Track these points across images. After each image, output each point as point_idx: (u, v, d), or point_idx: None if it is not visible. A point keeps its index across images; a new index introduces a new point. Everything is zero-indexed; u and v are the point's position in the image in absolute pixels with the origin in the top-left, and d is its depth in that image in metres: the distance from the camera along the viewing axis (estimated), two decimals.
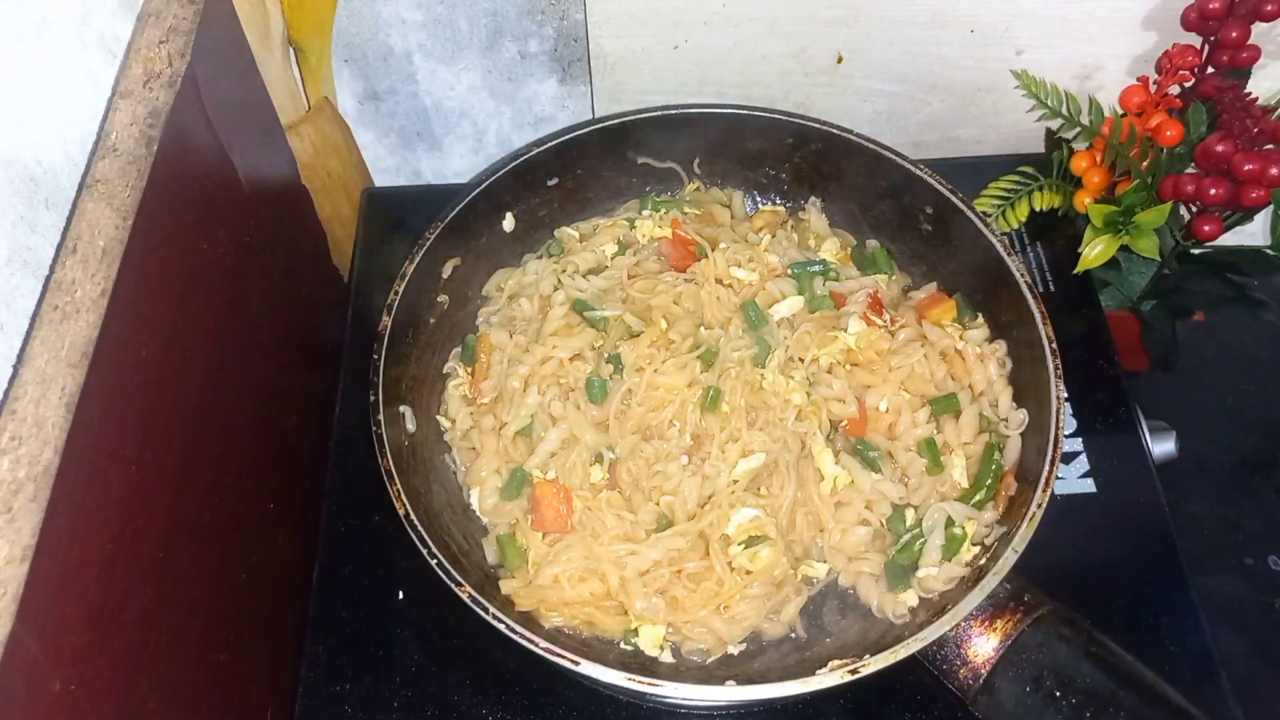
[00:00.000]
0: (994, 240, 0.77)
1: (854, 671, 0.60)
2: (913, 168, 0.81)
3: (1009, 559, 0.64)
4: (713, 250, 0.82)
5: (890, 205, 0.85)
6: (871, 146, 0.82)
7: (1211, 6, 0.81)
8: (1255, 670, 0.82)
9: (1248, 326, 0.97)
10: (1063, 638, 0.63)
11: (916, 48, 0.91)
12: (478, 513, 0.75)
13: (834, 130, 0.83)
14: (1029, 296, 0.74)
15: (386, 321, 0.73)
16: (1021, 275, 0.75)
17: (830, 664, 0.61)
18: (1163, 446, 0.83)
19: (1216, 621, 0.73)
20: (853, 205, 0.88)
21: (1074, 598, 0.66)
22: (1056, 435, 0.68)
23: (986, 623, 0.64)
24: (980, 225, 0.78)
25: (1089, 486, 0.79)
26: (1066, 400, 0.75)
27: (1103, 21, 0.88)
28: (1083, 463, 0.80)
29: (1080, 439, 0.81)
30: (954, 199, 0.79)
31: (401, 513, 0.65)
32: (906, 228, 0.85)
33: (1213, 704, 0.69)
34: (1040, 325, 0.73)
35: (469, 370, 0.80)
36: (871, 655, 0.61)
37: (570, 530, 0.71)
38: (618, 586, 0.69)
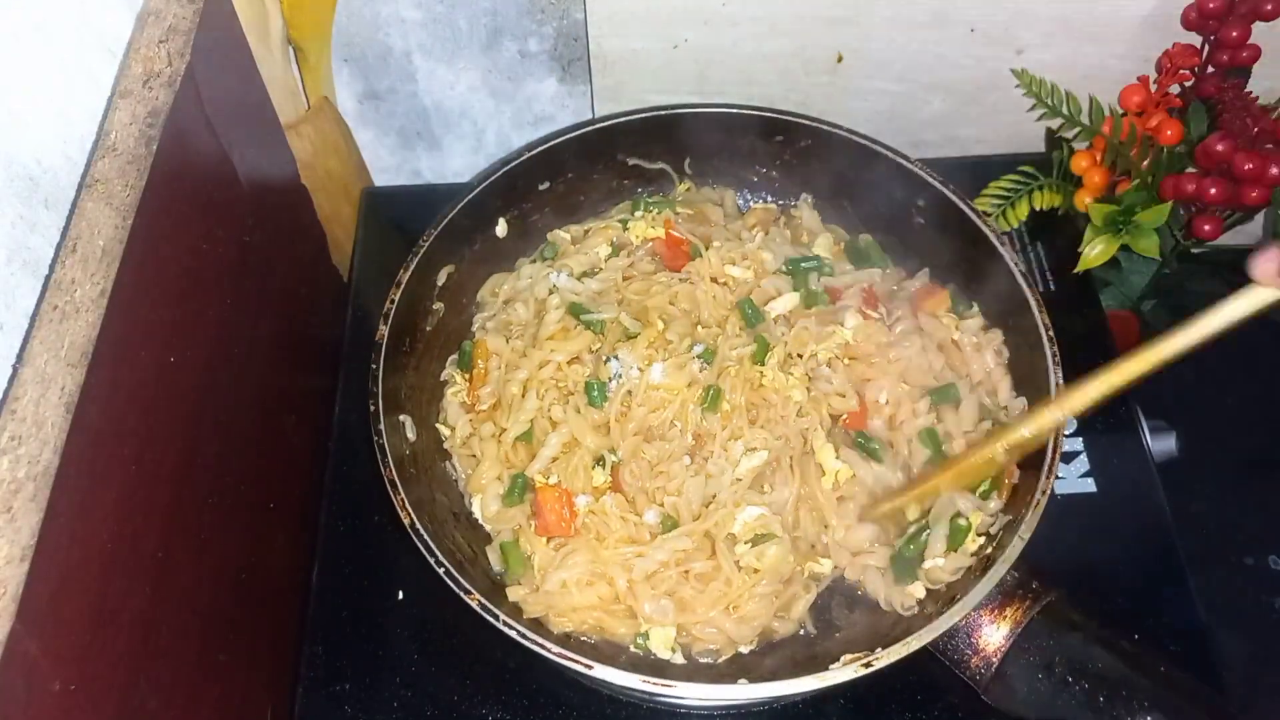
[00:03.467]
0: (986, 230, 0.77)
1: (867, 665, 0.60)
2: (902, 161, 0.81)
3: (1016, 546, 0.63)
4: (706, 249, 0.82)
5: (882, 199, 0.84)
6: (859, 141, 0.82)
7: (1211, 6, 0.82)
8: (1255, 670, 0.82)
9: (1248, 327, 0.96)
10: (1073, 624, 0.63)
11: (917, 47, 0.91)
12: (480, 520, 0.75)
13: (822, 126, 0.83)
14: (1023, 284, 0.74)
15: (383, 331, 0.73)
16: (1015, 263, 0.75)
17: (843, 658, 0.61)
18: (1163, 446, 0.83)
19: (1216, 621, 0.73)
20: (844, 201, 0.88)
21: (1075, 597, 0.66)
22: None
23: (996, 611, 0.64)
24: (972, 215, 0.78)
25: (1089, 486, 0.79)
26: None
27: (1103, 21, 0.88)
28: (1083, 462, 0.80)
29: (1081, 438, 0.81)
30: (944, 190, 0.79)
31: (407, 523, 0.65)
32: (899, 221, 0.85)
33: None
34: (1036, 312, 0.73)
35: (466, 377, 0.80)
36: (884, 648, 0.60)
37: (574, 534, 0.71)
38: (625, 590, 0.68)
